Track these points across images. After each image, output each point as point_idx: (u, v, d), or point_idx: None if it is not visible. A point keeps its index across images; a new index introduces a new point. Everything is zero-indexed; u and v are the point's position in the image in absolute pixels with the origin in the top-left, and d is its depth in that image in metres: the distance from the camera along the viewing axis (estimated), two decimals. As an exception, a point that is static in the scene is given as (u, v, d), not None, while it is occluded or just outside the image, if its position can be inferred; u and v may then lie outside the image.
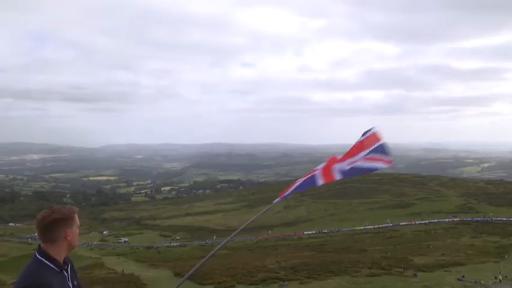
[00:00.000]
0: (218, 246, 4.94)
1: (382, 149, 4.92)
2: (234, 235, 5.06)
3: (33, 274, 3.20)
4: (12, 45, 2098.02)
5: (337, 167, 5.06)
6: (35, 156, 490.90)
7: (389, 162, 4.86)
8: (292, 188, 5.05)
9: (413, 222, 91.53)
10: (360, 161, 4.96)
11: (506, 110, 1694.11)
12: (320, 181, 4.99)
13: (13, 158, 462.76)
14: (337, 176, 4.97)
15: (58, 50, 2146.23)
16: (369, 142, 5.02)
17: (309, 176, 5.14)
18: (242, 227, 5.19)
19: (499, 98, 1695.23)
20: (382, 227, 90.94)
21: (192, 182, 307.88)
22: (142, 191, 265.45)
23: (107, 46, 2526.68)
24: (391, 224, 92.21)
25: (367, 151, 4.96)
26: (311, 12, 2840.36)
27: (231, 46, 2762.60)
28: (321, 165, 5.16)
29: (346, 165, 5.00)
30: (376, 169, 4.90)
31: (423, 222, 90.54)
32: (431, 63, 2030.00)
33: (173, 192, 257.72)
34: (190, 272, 4.64)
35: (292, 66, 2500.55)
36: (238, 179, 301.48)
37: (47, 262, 3.28)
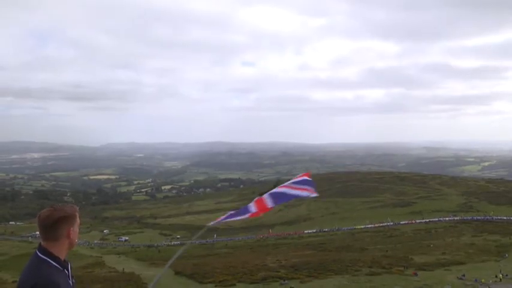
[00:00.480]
0: (180, 251, 5.27)
1: (308, 182, 5.79)
2: (196, 237, 5.55)
3: (39, 273, 3.23)
4: (13, 43, 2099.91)
5: (268, 196, 5.71)
6: (36, 155, 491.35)
7: (314, 192, 5.69)
8: (226, 216, 5.54)
9: (413, 221, 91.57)
10: (288, 189, 5.76)
11: (507, 109, 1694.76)
12: (253, 209, 5.56)
13: (14, 156, 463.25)
14: (269, 204, 5.58)
15: (59, 49, 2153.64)
16: (296, 178, 5.98)
17: (242, 207, 5.69)
18: (197, 235, 5.48)
19: (500, 97, 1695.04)
20: (382, 226, 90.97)
21: (192, 181, 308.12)
22: (142, 190, 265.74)
23: (108, 45, 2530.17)
24: (392, 223, 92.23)
25: (294, 183, 5.86)
26: (311, 10, 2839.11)
27: (232, 44, 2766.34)
28: (255, 199, 5.78)
29: (276, 195, 5.72)
30: (303, 196, 5.70)
31: (424, 221, 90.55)
32: (432, 61, 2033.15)
33: (174, 191, 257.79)
34: (156, 279, 4.85)
35: (292, 64, 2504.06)
36: (239, 178, 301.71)
37: (50, 260, 3.31)
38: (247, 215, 5.52)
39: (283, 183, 6.00)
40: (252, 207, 5.57)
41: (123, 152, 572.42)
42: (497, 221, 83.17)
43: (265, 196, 5.69)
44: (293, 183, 5.81)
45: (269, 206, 5.56)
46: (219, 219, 5.51)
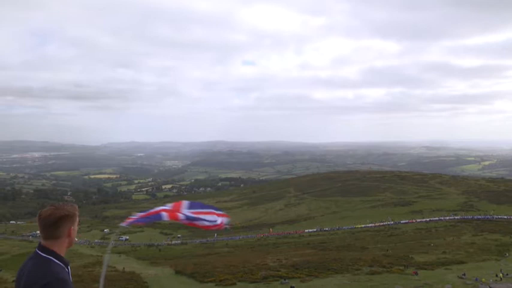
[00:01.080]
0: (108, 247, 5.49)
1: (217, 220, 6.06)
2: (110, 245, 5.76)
3: (46, 272, 3.23)
4: (14, 43, 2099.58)
5: (182, 212, 5.98)
6: (36, 154, 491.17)
7: (221, 226, 6.03)
8: (139, 218, 5.81)
9: (414, 220, 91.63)
10: (202, 220, 6.02)
11: (508, 108, 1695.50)
12: (165, 218, 5.86)
13: (14, 155, 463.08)
14: (181, 217, 5.90)
15: (60, 48, 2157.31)
16: (217, 214, 6.19)
17: (156, 213, 5.93)
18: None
19: (501, 96, 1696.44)
20: (383, 225, 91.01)
21: (193, 180, 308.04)
22: (143, 189, 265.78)
23: (109, 44, 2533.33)
24: (392, 222, 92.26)
25: (212, 217, 6.10)
26: (312, 10, 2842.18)
27: (233, 44, 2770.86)
28: (168, 206, 6.04)
29: (190, 214, 5.99)
30: (213, 228, 6.00)
31: (424, 220, 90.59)
32: (433, 60, 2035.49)
33: (174, 190, 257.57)
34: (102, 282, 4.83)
35: (293, 64, 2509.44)
36: (239, 177, 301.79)
37: (54, 259, 3.32)
38: (160, 219, 5.87)
39: (207, 208, 6.29)
40: (165, 216, 5.86)
41: (123, 151, 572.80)
42: (498, 220, 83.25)
43: (180, 213, 5.96)
44: (209, 220, 6.05)
45: (180, 218, 5.87)
46: (131, 220, 5.70)
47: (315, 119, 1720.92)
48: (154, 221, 5.99)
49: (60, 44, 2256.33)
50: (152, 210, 5.92)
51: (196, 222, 5.99)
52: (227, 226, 6.13)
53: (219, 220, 6.00)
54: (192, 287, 36.61)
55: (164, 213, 5.86)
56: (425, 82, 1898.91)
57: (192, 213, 5.99)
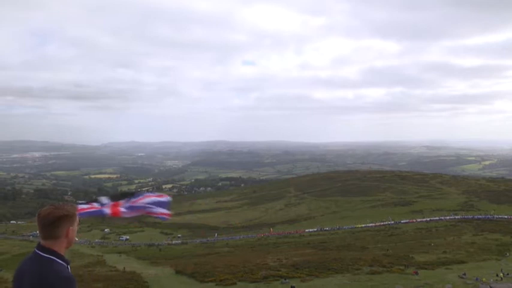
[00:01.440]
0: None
1: (163, 204, 5.99)
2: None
3: (51, 271, 3.22)
4: (14, 43, 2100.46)
5: (123, 205, 5.95)
6: (37, 154, 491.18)
7: (168, 215, 5.97)
8: (86, 211, 5.82)
9: (414, 220, 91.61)
10: (143, 203, 5.95)
11: (508, 108, 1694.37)
12: (108, 213, 5.83)
13: (14, 155, 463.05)
14: (123, 211, 5.87)
15: (60, 48, 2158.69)
16: (155, 195, 6.15)
17: (99, 208, 5.91)
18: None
19: (501, 96, 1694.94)
20: (383, 225, 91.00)
21: (193, 180, 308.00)
22: (143, 189, 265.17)
23: (109, 44, 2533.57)
24: (393, 222, 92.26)
25: (152, 199, 6.02)
26: (312, 10, 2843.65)
27: (233, 44, 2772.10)
28: (111, 203, 5.98)
29: (130, 204, 5.95)
30: (157, 216, 5.94)
31: (424, 219, 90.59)
32: (433, 60, 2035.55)
33: (174, 190, 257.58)
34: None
35: (293, 63, 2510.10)
36: (240, 177, 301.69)
37: (56, 259, 3.31)
38: (102, 215, 5.83)
39: (143, 194, 6.25)
40: (108, 211, 5.83)
41: (123, 151, 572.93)
42: (498, 220, 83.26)
43: (123, 205, 5.94)
44: (152, 203, 5.99)
45: (122, 214, 5.87)
46: (81, 211, 5.74)
47: (315, 119, 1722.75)
48: (96, 216, 5.98)
49: (60, 44, 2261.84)
50: (94, 205, 5.90)
51: (138, 211, 5.95)
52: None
53: (165, 209, 5.97)
54: (193, 286, 36.59)
55: (106, 209, 5.83)
56: (425, 82, 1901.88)
57: (131, 203, 5.97)
